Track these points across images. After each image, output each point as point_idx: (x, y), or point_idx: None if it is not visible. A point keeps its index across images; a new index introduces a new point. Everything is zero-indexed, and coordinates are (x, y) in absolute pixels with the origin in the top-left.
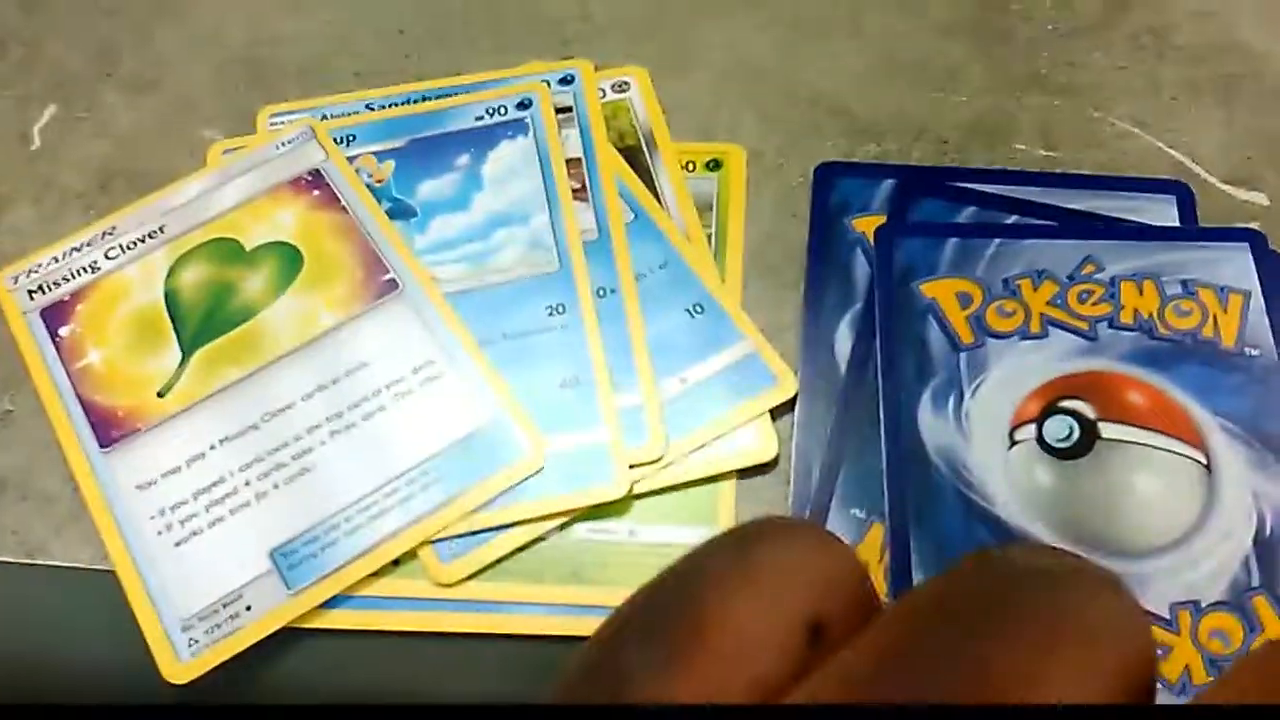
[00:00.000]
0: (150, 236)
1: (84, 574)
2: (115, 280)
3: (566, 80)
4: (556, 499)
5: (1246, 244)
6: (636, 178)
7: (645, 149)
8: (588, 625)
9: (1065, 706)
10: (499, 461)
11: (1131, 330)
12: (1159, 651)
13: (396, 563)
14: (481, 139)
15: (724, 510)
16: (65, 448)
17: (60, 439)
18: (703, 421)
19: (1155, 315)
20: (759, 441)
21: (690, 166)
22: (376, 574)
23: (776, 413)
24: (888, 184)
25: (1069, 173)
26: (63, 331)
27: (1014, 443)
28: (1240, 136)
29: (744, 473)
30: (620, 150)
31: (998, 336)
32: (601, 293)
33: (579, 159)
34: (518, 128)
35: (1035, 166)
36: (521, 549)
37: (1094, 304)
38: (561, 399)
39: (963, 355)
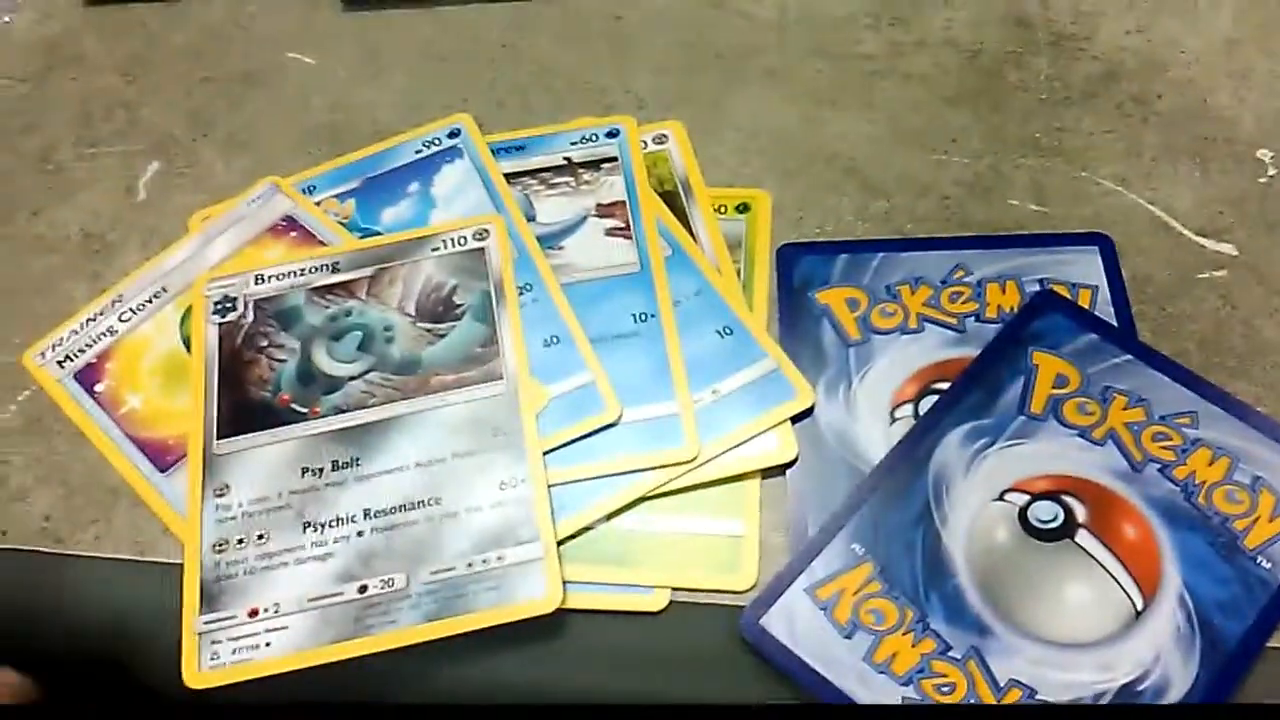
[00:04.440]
0: (155, 297)
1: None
2: (134, 338)
3: (612, 134)
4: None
5: (1096, 247)
6: (674, 218)
7: (682, 193)
8: (632, 602)
9: (1066, 707)
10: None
11: (994, 323)
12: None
13: None
14: (425, 168)
15: (749, 505)
16: (131, 481)
17: (125, 475)
18: (731, 428)
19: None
20: (780, 445)
21: (722, 209)
22: None
23: (795, 420)
24: (842, 258)
25: (1001, 234)
26: (98, 388)
27: (894, 420)
28: (1213, 193)
29: (767, 472)
30: (659, 194)
31: (881, 333)
32: (642, 317)
33: (623, 201)
34: (454, 153)
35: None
36: (579, 534)
37: (963, 303)
38: (548, 355)
39: (851, 350)
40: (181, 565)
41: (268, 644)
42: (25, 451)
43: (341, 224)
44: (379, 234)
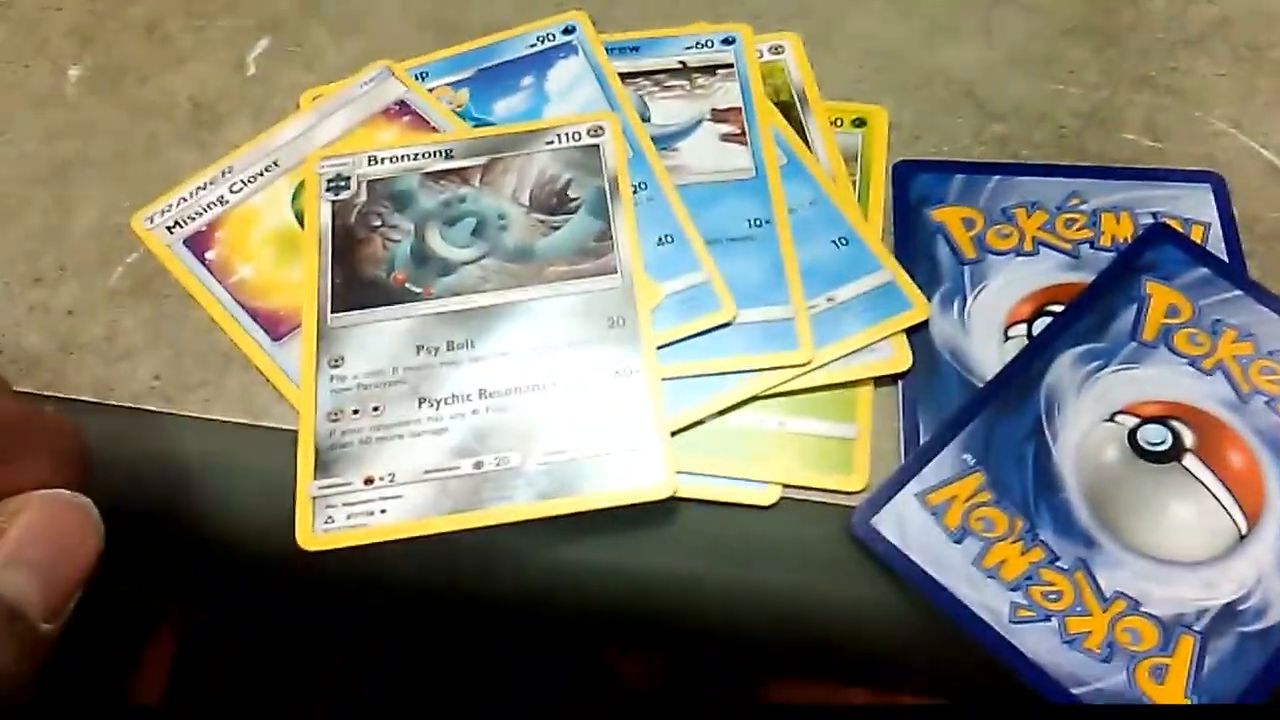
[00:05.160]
0: (267, 170)
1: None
2: (245, 209)
3: (728, 41)
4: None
5: (1209, 185)
6: (790, 127)
7: (798, 105)
8: (747, 494)
9: (1068, 707)
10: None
11: (1108, 251)
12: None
13: None
14: (539, 61)
15: (861, 410)
16: (244, 348)
17: (237, 341)
18: (846, 335)
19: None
20: (895, 354)
21: (838, 123)
22: None
23: (910, 333)
24: (958, 178)
25: (1117, 166)
26: (209, 255)
27: (1007, 338)
28: None
29: (880, 380)
30: (775, 104)
31: (996, 254)
32: (756, 222)
33: (738, 108)
34: (568, 49)
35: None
36: (691, 427)
37: (1078, 229)
38: (660, 253)
39: (966, 268)
40: (295, 432)
41: (383, 510)
42: (134, 313)
43: (455, 112)
44: (492, 124)
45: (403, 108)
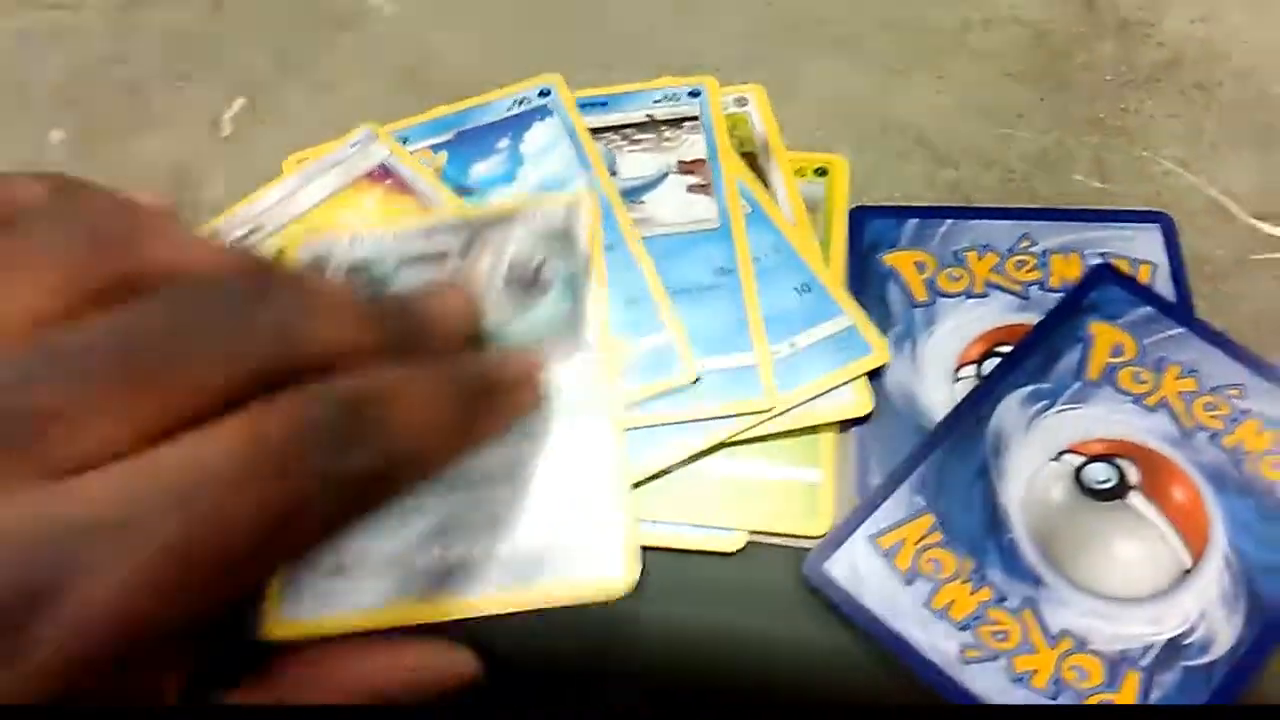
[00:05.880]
0: (250, 235)
1: None
2: None
3: (695, 93)
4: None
5: (1158, 225)
6: (754, 177)
7: (761, 155)
8: (713, 541)
9: (1069, 706)
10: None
11: (1058, 292)
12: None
13: None
14: (516, 124)
15: (825, 454)
16: None
17: None
18: (808, 380)
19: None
20: (857, 398)
21: (801, 172)
22: None
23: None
24: (911, 222)
25: (1067, 209)
26: None
27: (957, 379)
28: (1271, 179)
29: (843, 424)
30: (740, 155)
31: (947, 296)
32: (722, 271)
33: (704, 159)
34: (544, 112)
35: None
36: (658, 476)
37: (1028, 271)
38: (627, 314)
39: (917, 311)
40: None
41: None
42: None
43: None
44: (468, 187)
45: (386, 171)
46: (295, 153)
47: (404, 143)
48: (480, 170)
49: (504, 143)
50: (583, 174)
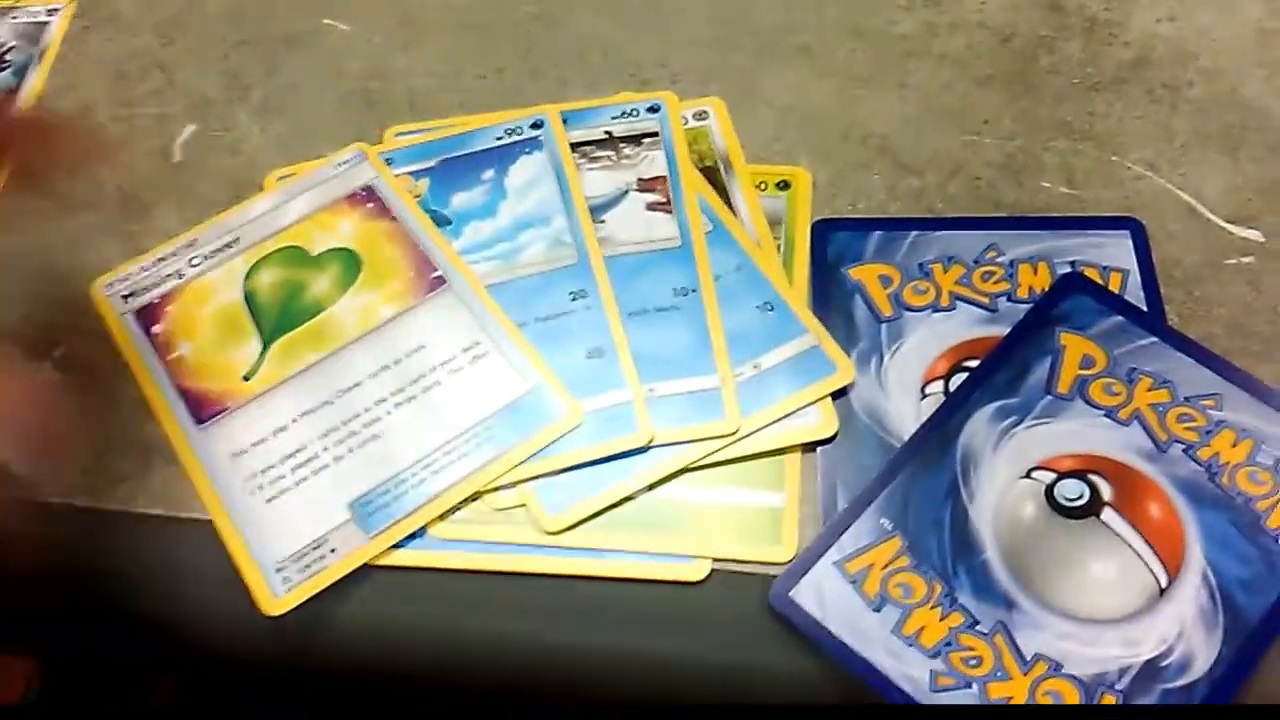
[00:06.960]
0: (228, 246)
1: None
2: (199, 284)
3: (654, 109)
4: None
5: (1127, 231)
6: (715, 194)
7: (722, 170)
8: (676, 571)
9: (1069, 706)
10: (541, 421)
11: (1026, 303)
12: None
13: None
14: (503, 155)
15: (790, 478)
16: (165, 426)
17: (161, 419)
18: (772, 402)
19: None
20: (821, 420)
21: (763, 186)
22: (486, 522)
23: (835, 396)
24: (876, 235)
25: (1034, 216)
26: (155, 329)
27: (924, 396)
28: (1241, 181)
29: (807, 446)
30: (700, 170)
31: (913, 310)
32: (682, 291)
33: (664, 176)
34: (533, 145)
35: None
36: (620, 503)
37: (995, 282)
38: (589, 367)
39: (883, 326)
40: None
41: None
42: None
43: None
44: (446, 219)
45: (369, 194)
46: (263, 175)
47: (388, 165)
48: (461, 200)
49: (489, 174)
50: (560, 215)
